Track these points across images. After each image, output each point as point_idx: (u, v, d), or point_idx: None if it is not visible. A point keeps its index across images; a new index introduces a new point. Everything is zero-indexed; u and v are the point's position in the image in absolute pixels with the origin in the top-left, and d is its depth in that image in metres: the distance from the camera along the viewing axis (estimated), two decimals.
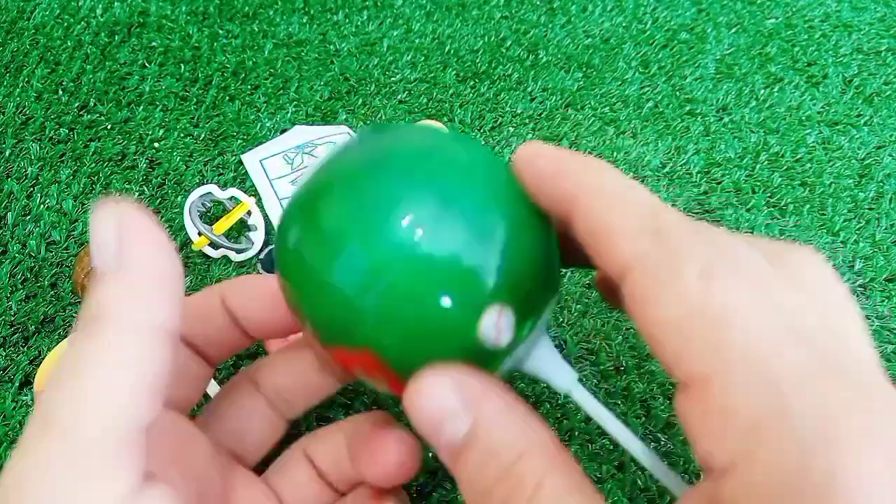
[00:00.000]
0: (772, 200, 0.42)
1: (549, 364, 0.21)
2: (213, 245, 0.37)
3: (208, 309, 0.23)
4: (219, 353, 0.24)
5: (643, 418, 0.33)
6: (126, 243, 0.16)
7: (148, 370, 0.15)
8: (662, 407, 0.33)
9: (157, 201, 0.41)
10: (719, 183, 0.43)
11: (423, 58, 0.50)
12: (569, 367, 0.21)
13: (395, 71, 0.49)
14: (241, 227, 0.39)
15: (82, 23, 0.51)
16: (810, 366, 0.13)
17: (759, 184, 0.43)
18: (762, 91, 0.49)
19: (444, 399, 0.17)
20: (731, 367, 0.13)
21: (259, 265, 0.38)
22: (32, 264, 0.38)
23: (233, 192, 0.39)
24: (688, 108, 0.47)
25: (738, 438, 0.13)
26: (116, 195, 0.18)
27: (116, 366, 0.15)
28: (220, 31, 0.51)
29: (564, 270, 0.38)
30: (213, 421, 0.24)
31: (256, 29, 0.51)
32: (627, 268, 0.16)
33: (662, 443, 0.32)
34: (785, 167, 0.44)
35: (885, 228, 0.41)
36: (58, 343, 0.34)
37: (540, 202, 0.19)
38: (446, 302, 0.17)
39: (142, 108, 0.45)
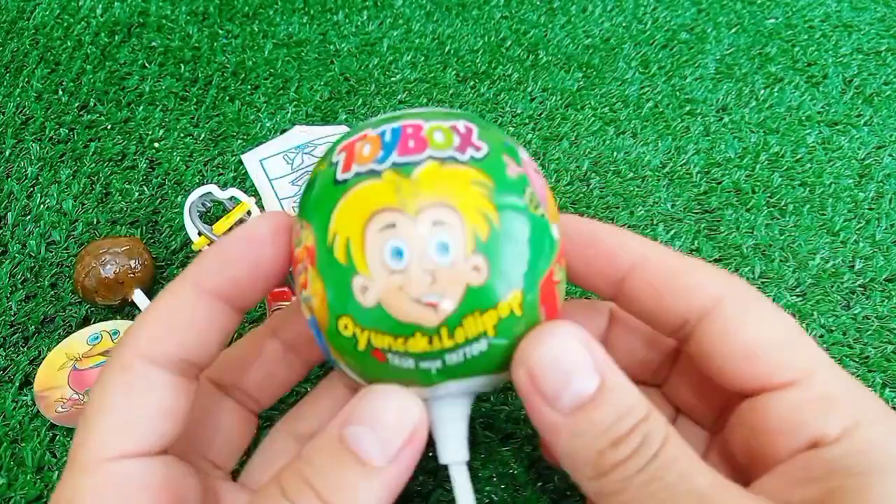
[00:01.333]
0: (772, 200, 0.42)
1: (450, 428, 0.20)
2: None
3: (257, 351, 0.24)
4: (272, 395, 0.25)
5: None
6: (407, 448, 0.18)
7: None
8: None
9: (157, 201, 0.41)
10: (719, 183, 0.43)
11: (423, 58, 0.50)
12: (466, 446, 0.20)
13: (395, 71, 0.49)
14: None
15: (82, 23, 0.51)
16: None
17: (759, 184, 0.43)
18: (762, 91, 0.49)
19: (578, 353, 0.17)
20: (826, 364, 0.18)
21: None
22: (32, 264, 0.38)
23: (233, 192, 0.39)
24: (688, 108, 0.47)
25: (844, 415, 0.17)
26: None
27: None
28: (220, 31, 0.51)
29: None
30: (186, 433, 0.24)
31: (256, 29, 0.51)
32: (713, 302, 0.19)
33: None
34: (785, 167, 0.44)
35: (885, 228, 0.41)
36: (58, 343, 0.34)
37: (589, 277, 0.21)
38: None
39: (142, 108, 0.45)
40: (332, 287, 0.17)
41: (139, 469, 0.18)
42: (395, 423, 0.17)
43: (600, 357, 0.18)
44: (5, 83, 0.47)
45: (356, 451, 0.17)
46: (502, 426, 0.32)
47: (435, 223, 0.17)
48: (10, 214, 0.40)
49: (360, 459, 0.17)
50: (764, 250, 0.40)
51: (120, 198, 0.41)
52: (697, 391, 0.21)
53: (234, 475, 0.25)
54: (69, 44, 0.49)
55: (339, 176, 0.18)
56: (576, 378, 0.17)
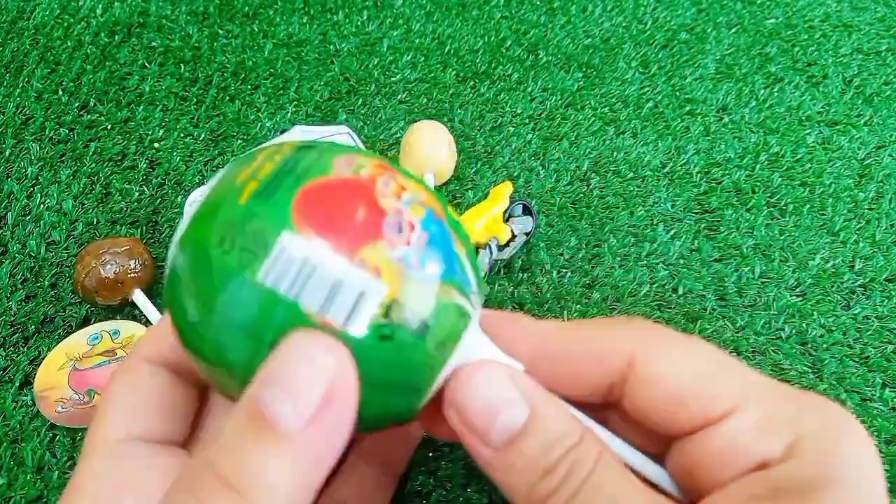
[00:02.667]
0: (772, 200, 0.42)
1: None
2: None
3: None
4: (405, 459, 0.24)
5: None
6: (326, 410, 0.15)
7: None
8: None
9: (157, 201, 0.41)
10: (719, 183, 0.43)
11: (423, 58, 0.50)
12: None
13: (395, 71, 0.49)
14: None
15: (82, 23, 0.51)
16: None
17: (759, 184, 0.43)
18: (762, 91, 0.49)
19: (504, 387, 0.17)
20: (757, 385, 0.18)
21: None
22: (32, 264, 0.38)
23: None
24: (688, 109, 0.47)
25: (783, 433, 0.17)
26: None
27: None
28: (220, 31, 0.51)
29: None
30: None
31: (256, 29, 0.51)
32: (627, 360, 0.19)
33: None
34: (785, 167, 0.44)
35: (885, 228, 0.41)
36: (58, 343, 0.34)
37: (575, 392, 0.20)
38: None
39: (142, 108, 0.45)
40: (427, 188, 0.19)
41: (146, 450, 0.19)
42: (305, 378, 0.15)
43: (530, 388, 0.18)
44: (5, 83, 0.47)
45: (266, 415, 0.14)
46: None
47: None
48: (10, 214, 0.40)
49: (270, 427, 0.14)
50: (764, 250, 0.40)
51: (120, 198, 0.41)
52: (640, 429, 0.21)
53: None
54: (69, 44, 0.49)
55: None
56: (503, 412, 0.17)
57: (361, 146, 0.44)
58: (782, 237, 0.40)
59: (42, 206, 0.40)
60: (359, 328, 0.16)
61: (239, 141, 0.44)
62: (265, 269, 0.16)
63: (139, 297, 0.35)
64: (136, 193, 0.41)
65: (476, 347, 0.19)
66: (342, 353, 0.15)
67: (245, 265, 0.16)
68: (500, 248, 0.38)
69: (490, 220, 0.37)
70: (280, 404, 0.14)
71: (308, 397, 0.14)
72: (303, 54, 0.50)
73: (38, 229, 0.39)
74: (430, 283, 0.17)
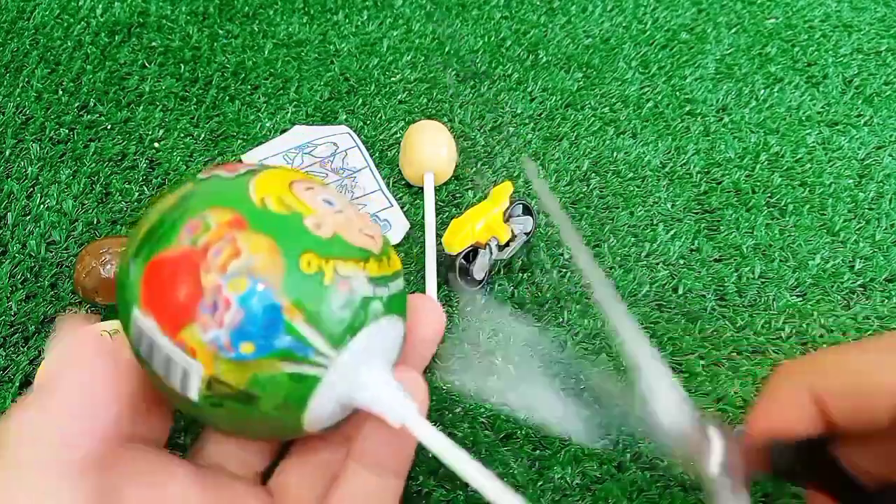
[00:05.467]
0: (772, 200, 0.42)
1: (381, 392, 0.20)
2: None
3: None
4: None
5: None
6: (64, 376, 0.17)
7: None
8: None
9: None
10: (719, 183, 0.43)
11: (423, 58, 0.50)
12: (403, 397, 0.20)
13: (395, 71, 0.49)
14: None
15: (82, 23, 0.51)
16: None
17: (759, 184, 0.43)
18: (762, 91, 0.49)
19: None
20: None
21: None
22: (32, 264, 0.38)
23: None
24: (688, 109, 0.47)
25: None
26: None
27: None
28: (220, 32, 0.51)
29: (565, 270, 0.38)
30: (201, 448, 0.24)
31: (256, 29, 0.51)
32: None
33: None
34: (785, 167, 0.44)
35: (885, 228, 0.41)
36: None
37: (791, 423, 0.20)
38: None
39: (142, 108, 0.45)
40: (289, 233, 0.19)
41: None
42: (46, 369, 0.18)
43: None
44: (5, 83, 0.47)
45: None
46: (502, 426, 0.32)
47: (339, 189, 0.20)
48: (10, 214, 0.40)
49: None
50: (764, 250, 0.40)
51: (120, 198, 0.41)
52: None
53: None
54: (69, 44, 0.49)
55: (226, 174, 0.20)
56: None
57: (361, 146, 0.44)
58: (782, 237, 0.40)
59: (42, 206, 0.40)
60: (193, 395, 0.18)
61: (239, 141, 0.44)
62: (132, 336, 0.19)
63: None
64: (137, 193, 0.41)
65: (368, 387, 0.20)
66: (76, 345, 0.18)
67: (125, 330, 0.19)
68: (501, 247, 0.38)
69: (491, 219, 0.37)
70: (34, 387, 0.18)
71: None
72: (303, 54, 0.50)
73: (38, 229, 0.39)
74: (245, 360, 0.18)
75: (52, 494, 0.16)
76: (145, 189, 0.41)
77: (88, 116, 0.45)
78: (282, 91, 0.47)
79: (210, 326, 0.17)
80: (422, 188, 0.41)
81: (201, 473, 0.22)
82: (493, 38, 0.51)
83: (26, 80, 0.47)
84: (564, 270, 0.38)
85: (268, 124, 0.45)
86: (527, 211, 0.40)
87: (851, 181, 0.43)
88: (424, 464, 0.30)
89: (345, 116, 0.46)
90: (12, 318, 0.35)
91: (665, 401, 0.19)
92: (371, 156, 0.43)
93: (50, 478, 0.16)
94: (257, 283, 0.18)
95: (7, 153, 0.43)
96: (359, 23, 0.52)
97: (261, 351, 0.18)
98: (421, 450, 0.30)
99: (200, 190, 0.20)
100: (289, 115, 0.46)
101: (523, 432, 0.32)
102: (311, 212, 0.19)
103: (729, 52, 0.52)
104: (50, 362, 0.18)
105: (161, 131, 0.44)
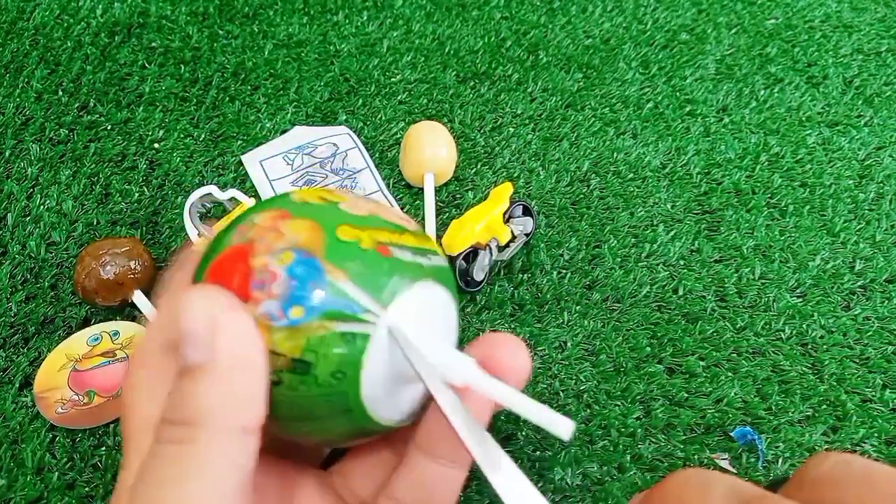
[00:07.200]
0: (772, 201, 0.42)
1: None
2: None
3: None
4: None
5: (643, 419, 0.33)
6: (219, 337, 0.17)
7: (238, 470, 0.17)
8: (662, 408, 0.33)
9: (157, 202, 0.41)
10: (719, 184, 0.43)
11: (423, 58, 0.50)
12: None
13: (395, 71, 0.49)
14: None
15: (82, 23, 0.51)
16: None
17: (759, 184, 0.43)
18: (762, 92, 0.49)
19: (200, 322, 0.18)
20: None
21: None
22: (32, 265, 0.38)
23: (233, 192, 0.39)
24: (688, 109, 0.47)
25: None
26: (207, 289, 0.18)
27: (208, 472, 0.17)
28: (220, 32, 0.51)
29: (565, 271, 0.38)
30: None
31: (256, 29, 0.51)
32: None
33: (663, 443, 0.32)
34: (785, 168, 0.44)
35: (886, 229, 0.41)
36: (57, 344, 0.34)
37: None
38: None
39: (142, 108, 0.45)
40: (327, 213, 0.20)
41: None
42: (189, 324, 0.17)
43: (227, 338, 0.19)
44: (5, 83, 0.47)
45: (183, 365, 0.17)
46: (502, 426, 0.32)
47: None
48: (9, 215, 0.40)
49: (188, 371, 0.17)
50: (764, 251, 0.40)
51: (120, 198, 0.41)
52: None
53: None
54: (69, 44, 0.49)
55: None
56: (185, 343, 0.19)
57: (361, 147, 0.44)
58: (782, 238, 0.40)
59: (42, 206, 0.40)
60: None
61: (239, 142, 0.44)
62: None
63: (139, 298, 0.35)
64: (136, 194, 0.41)
65: (421, 349, 0.20)
66: (207, 293, 0.18)
67: None
68: (501, 248, 0.38)
69: (491, 220, 0.37)
70: (185, 352, 0.17)
71: (199, 336, 0.17)
72: (303, 55, 0.50)
73: (37, 230, 0.39)
74: (296, 325, 0.18)
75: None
76: (145, 190, 0.41)
77: (88, 117, 0.45)
78: (282, 91, 0.47)
79: (262, 300, 0.18)
80: (422, 189, 0.41)
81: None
82: (493, 39, 0.51)
83: (26, 80, 0.47)
84: (564, 271, 0.38)
85: (268, 125, 0.45)
86: (527, 212, 0.39)
87: (852, 182, 0.43)
88: None
89: (345, 117, 0.46)
90: (12, 319, 0.35)
91: None
92: (371, 156, 0.43)
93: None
94: (300, 253, 0.19)
95: (7, 154, 0.43)
96: (359, 23, 0.52)
97: (310, 313, 0.18)
98: None
99: (245, 214, 0.21)
100: (289, 115, 0.45)
101: (524, 433, 0.32)
102: (346, 200, 0.21)
103: (729, 52, 0.51)
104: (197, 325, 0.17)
105: (161, 132, 0.44)
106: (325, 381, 0.19)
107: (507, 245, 0.38)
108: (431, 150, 0.40)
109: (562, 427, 0.18)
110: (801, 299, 0.38)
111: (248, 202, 0.39)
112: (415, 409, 0.22)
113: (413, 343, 0.19)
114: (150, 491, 0.17)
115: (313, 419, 0.20)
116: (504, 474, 0.18)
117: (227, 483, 0.17)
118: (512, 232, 0.38)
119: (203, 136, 0.44)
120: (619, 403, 0.33)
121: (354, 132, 0.44)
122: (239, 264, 0.19)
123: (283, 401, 0.19)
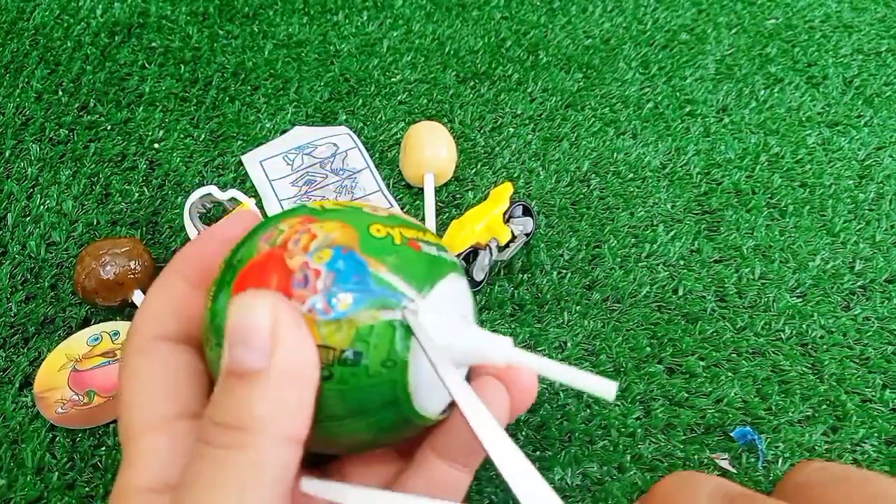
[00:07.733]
0: (772, 201, 0.42)
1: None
2: None
3: None
4: None
5: (643, 419, 0.33)
6: (279, 347, 0.17)
7: (286, 479, 0.17)
8: (662, 408, 0.33)
9: (157, 202, 0.41)
10: (719, 184, 0.43)
11: (423, 58, 0.50)
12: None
13: (395, 72, 0.49)
14: None
15: (82, 23, 0.51)
16: None
17: (759, 185, 0.43)
18: (762, 92, 0.49)
19: (259, 322, 0.18)
20: None
21: None
22: (32, 265, 0.38)
23: (233, 193, 0.39)
24: (688, 109, 0.47)
25: None
26: (264, 293, 0.18)
27: (261, 479, 0.17)
28: (220, 32, 0.51)
29: (565, 271, 0.38)
30: None
31: (256, 30, 0.51)
32: None
33: (663, 443, 0.32)
34: (785, 168, 0.44)
35: (885, 229, 0.41)
36: (57, 344, 0.34)
37: None
38: None
39: (142, 108, 0.45)
40: (352, 214, 0.21)
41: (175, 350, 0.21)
42: (250, 327, 0.17)
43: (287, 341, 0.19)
44: (5, 84, 0.47)
45: (236, 368, 0.17)
46: None
47: None
48: (9, 215, 0.40)
49: (242, 374, 0.17)
50: (764, 251, 0.40)
51: (120, 199, 0.41)
52: None
53: None
54: (69, 44, 0.49)
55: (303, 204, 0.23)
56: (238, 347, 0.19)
57: (361, 147, 0.44)
58: (782, 238, 0.40)
59: (42, 206, 0.40)
60: None
61: (239, 142, 0.44)
62: None
63: (139, 298, 0.35)
64: (136, 194, 0.41)
65: (453, 334, 0.20)
66: (269, 296, 0.18)
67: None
68: (501, 248, 0.38)
69: (491, 220, 0.37)
70: (242, 355, 0.17)
71: (258, 340, 0.17)
72: (303, 55, 0.50)
73: (37, 230, 0.39)
74: (344, 316, 0.19)
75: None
76: (145, 190, 0.41)
77: (88, 117, 0.45)
78: (282, 92, 0.47)
79: (306, 297, 0.19)
80: (422, 189, 0.41)
81: None
82: (493, 39, 0.51)
83: (26, 80, 0.47)
84: (564, 271, 0.38)
85: (268, 125, 0.45)
86: (527, 212, 0.39)
87: (851, 182, 0.43)
88: None
89: (345, 117, 0.46)
90: (12, 319, 0.35)
91: None
92: (371, 156, 0.43)
93: None
94: (339, 248, 0.20)
95: (7, 154, 0.43)
96: (359, 23, 0.52)
97: (357, 303, 0.19)
98: None
99: (257, 229, 0.22)
100: (289, 115, 0.45)
101: (523, 433, 0.32)
102: (364, 205, 0.22)
103: (729, 52, 0.52)
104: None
105: (161, 132, 0.44)
106: (376, 371, 0.19)
107: (507, 245, 0.38)
108: (431, 151, 0.40)
109: (606, 388, 0.19)
110: (801, 299, 0.38)
111: (248, 202, 0.39)
112: (449, 404, 0.22)
113: (456, 330, 0.20)
114: (200, 494, 0.17)
115: (360, 413, 0.20)
116: (522, 476, 0.19)
117: (279, 489, 0.17)
118: (512, 232, 0.38)
119: (203, 136, 0.44)
120: (619, 403, 0.33)
121: (354, 132, 0.44)
122: (275, 267, 0.19)
123: (331, 396, 0.19)
